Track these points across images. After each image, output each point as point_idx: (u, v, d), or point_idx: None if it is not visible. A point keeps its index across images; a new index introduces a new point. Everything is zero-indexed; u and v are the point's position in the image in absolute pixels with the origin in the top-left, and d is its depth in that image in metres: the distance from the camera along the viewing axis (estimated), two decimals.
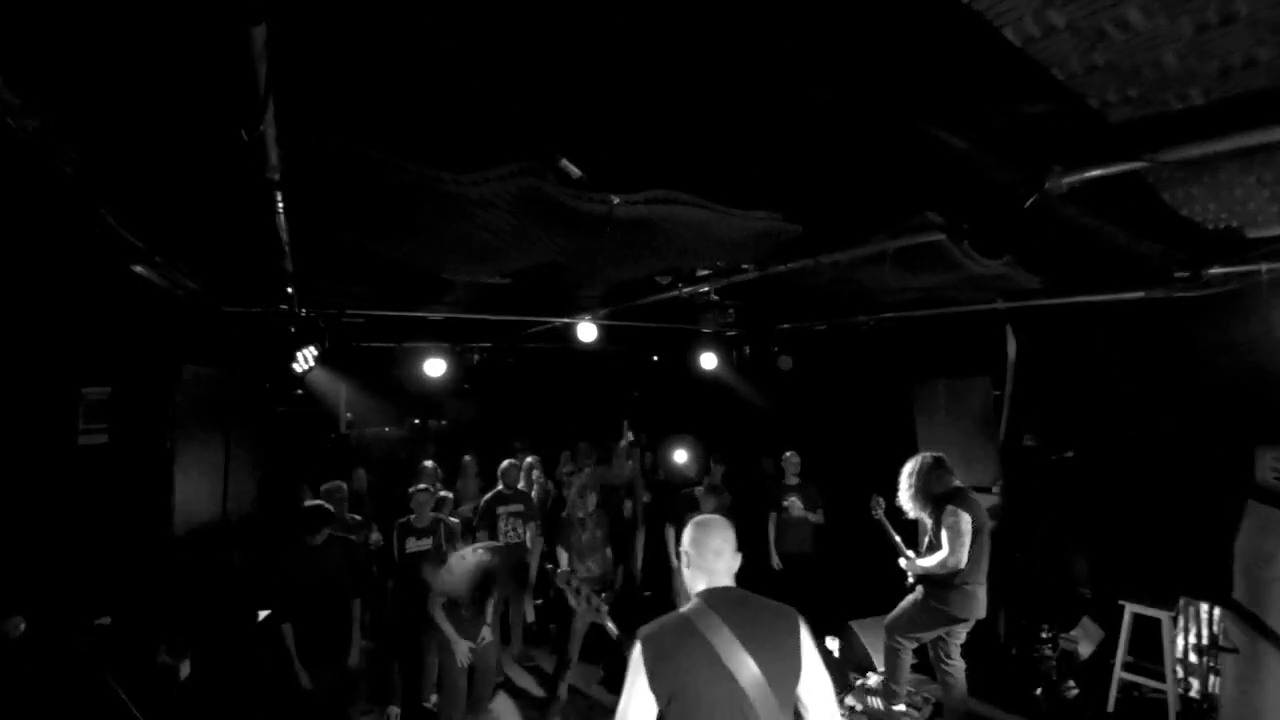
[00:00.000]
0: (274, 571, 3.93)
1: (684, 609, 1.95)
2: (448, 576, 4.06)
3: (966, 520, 3.90)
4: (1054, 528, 5.54)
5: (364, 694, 4.34)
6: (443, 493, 5.75)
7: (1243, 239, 3.06)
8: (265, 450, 5.11)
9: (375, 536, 5.28)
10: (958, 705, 4.21)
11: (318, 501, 4.12)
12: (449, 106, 1.99)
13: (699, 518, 2.16)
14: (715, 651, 1.80)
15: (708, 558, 2.02)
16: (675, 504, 6.00)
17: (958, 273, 3.70)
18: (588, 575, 4.78)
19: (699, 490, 5.85)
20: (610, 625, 2.31)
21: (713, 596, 1.95)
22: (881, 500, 4.42)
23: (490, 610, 4.32)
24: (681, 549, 2.10)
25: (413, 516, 4.76)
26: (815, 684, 1.92)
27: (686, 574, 2.07)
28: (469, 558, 4.10)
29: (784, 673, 1.87)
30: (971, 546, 3.91)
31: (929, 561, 4.01)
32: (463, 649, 4.06)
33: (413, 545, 4.68)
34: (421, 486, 4.97)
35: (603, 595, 2.57)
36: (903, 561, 4.26)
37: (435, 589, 4.09)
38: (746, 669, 1.80)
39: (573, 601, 2.58)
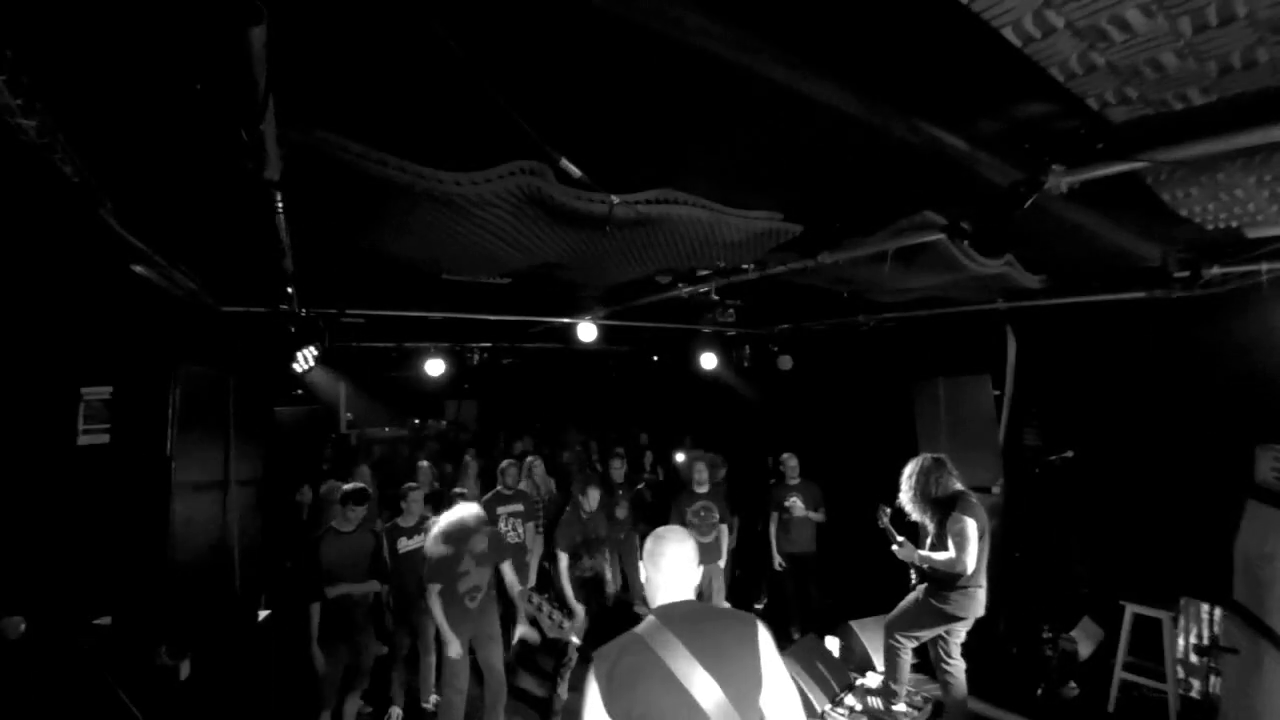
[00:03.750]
0: (309, 555, 4.10)
1: (638, 628, 1.87)
2: (431, 545, 4.04)
3: (973, 526, 3.89)
4: (1054, 528, 5.54)
5: (365, 682, 4.35)
6: (457, 489, 5.74)
7: (1243, 239, 3.06)
8: (265, 450, 5.11)
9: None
10: (958, 705, 4.21)
11: (358, 486, 4.37)
12: (449, 106, 1.99)
13: (657, 530, 2.09)
14: (672, 671, 1.74)
15: (664, 573, 1.97)
16: (678, 504, 6.00)
17: (958, 273, 3.70)
18: (588, 574, 4.78)
19: (698, 489, 5.86)
20: (574, 640, 2.25)
21: (667, 613, 1.89)
22: (887, 509, 4.41)
23: (487, 579, 4.16)
24: (641, 561, 2.05)
25: (400, 517, 4.77)
26: (778, 694, 1.85)
27: (646, 586, 2.02)
28: (444, 518, 4.09)
29: (746, 687, 1.80)
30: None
31: (934, 556, 4.00)
32: (454, 646, 3.98)
33: (405, 545, 4.68)
34: (413, 485, 4.94)
35: (562, 610, 2.41)
36: (897, 548, 4.24)
37: (426, 570, 4.07)
38: (706, 687, 1.74)
39: (536, 617, 2.45)
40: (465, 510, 4.13)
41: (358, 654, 4.20)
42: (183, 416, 3.85)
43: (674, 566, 1.97)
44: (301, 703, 4.21)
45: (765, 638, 1.89)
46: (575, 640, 2.20)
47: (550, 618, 2.33)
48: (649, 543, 2.04)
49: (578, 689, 4.92)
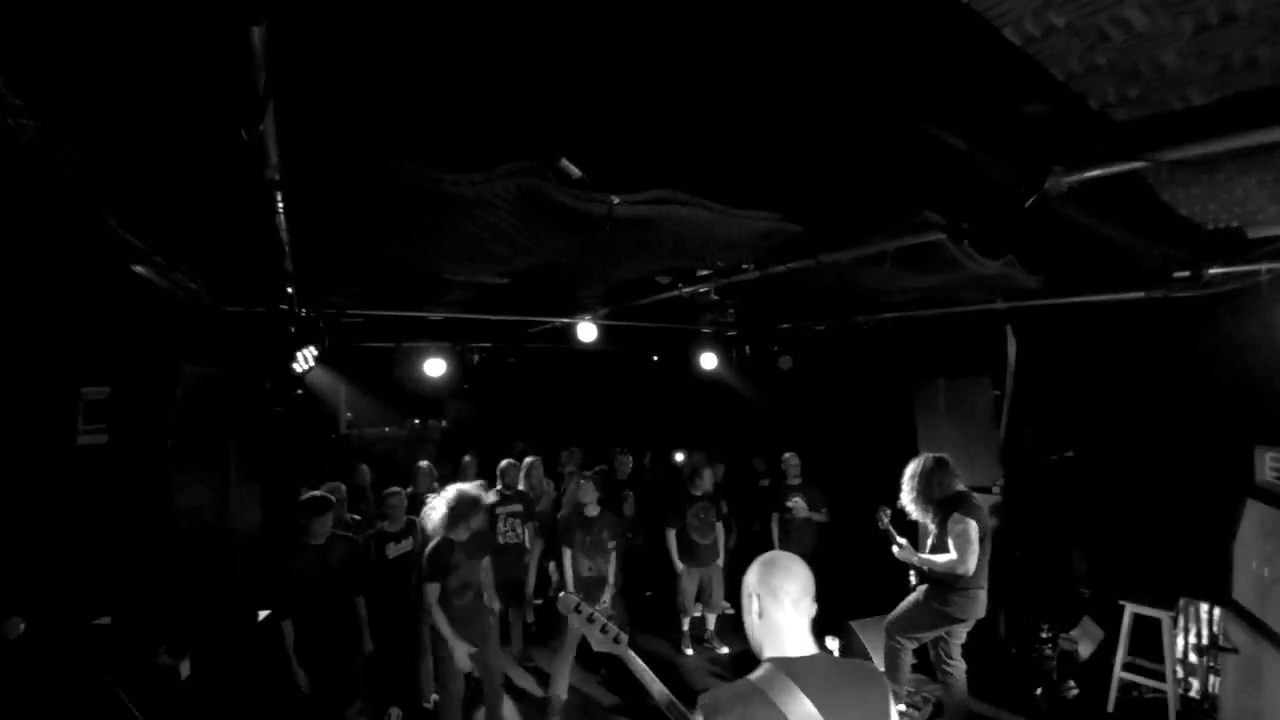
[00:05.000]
0: (276, 570, 3.95)
1: (754, 676, 1.66)
2: (431, 522, 4.04)
3: (974, 528, 3.88)
4: (1054, 528, 5.54)
5: (363, 694, 4.33)
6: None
7: (1243, 239, 3.06)
8: (265, 450, 5.10)
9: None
10: (958, 705, 4.21)
11: (317, 492, 4.17)
12: (449, 106, 1.99)
13: (771, 555, 1.84)
14: None
15: (784, 609, 1.71)
16: (676, 504, 6.01)
17: (958, 273, 3.70)
18: (591, 575, 4.79)
19: (697, 491, 5.86)
20: (638, 667, 1.93)
21: (790, 665, 1.65)
22: (887, 510, 4.41)
23: (487, 589, 4.22)
24: (746, 591, 1.79)
25: (386, 523, 4.72)
26: None
27: (754, 623, 1.76)
28: (442, 497, 4.06)
29: None
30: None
31: (935, 559, 4.00)
32: (461, 652, 3.90)
33: (393, 551, 4.64)
34: (393, 490, 4.89)
35: (616, 623, 2.22)
36: (897, 550, 4.24)
37: (426, 569, 4.05)
38: None
39: (585, 631, 2.26)
40: (464, 487, 4.11)
41: (346, 665, 4.10)
42: (183, 416, 3.85)
43: (795, 603, 1.72)
44: (301, 703, 4.21)
45: (892, 700, 1.72)
46: (629, 654, 2.03)
47: (604, 630, 2.14)
48: (759, 570, 1.79)
49: (576, 689, 4.95)
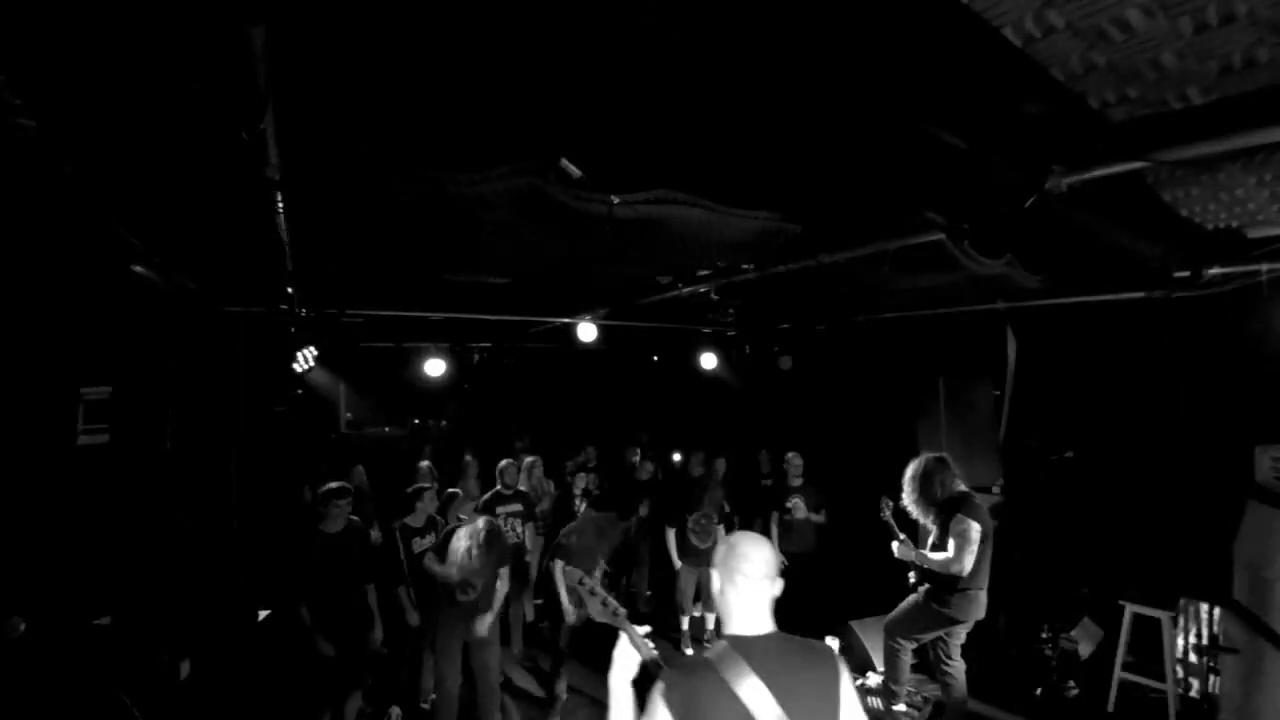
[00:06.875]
0: (292, 555, 4.08)
1: (710, 653, 1.75)
2: (454, 555, 4.10)
3: (976, 529, 3.88)
4: (1054, 528, 5.54)
5: (366, 685, 4.36)
6: (451, 489, 5.76)
7: (1243, 239, 3.06)
8: (265, 450, 5.11)
9: (375, 534, 5.29)
10: (958, 705, 4.21)
11: (340, 483, 4.33)
12: (449, 107, 1.99)
13: (733, 536, 1.91)
14: (746, 708, 1.63)
15: (739, 589, 1.79)
16: (676, 505, 6.01)
17: (958, 273, 3.70)
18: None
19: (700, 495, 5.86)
20: (635, 636, 1.98)
21: (743, 642, 1.74)
22: (890, 502, 4.40)
23: (497, 597, 4.27)
24: (712, 570, 1.88)
25: (410, 517, 4.80)
26: None
27: (718, 600, 1.84)
28: (469, 529, 4.13)
29: None
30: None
31: (932, 556, 4.00)
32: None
33: (419, 544, 4.70)
34: (424, 486, 4.98)
35: (616, 597, 2.30)
36: (896, 545, 4.23)
37: (436, 566, 4.16)
38: None
39: (587, 602, 2.38)
40: (472, 530, 4.15)
41: (355, 648, 4.19)
42: (182, 416, 3.85)
43: (750, 582, 1.79)
44: (301, 703, 4.21)
45: (845, 676, 1.79)
46: (638, 629, 2.06)
47: (604, 603, 2.21)
48: (721, 551, 1.87)
49: (575, 690, 4.95)
